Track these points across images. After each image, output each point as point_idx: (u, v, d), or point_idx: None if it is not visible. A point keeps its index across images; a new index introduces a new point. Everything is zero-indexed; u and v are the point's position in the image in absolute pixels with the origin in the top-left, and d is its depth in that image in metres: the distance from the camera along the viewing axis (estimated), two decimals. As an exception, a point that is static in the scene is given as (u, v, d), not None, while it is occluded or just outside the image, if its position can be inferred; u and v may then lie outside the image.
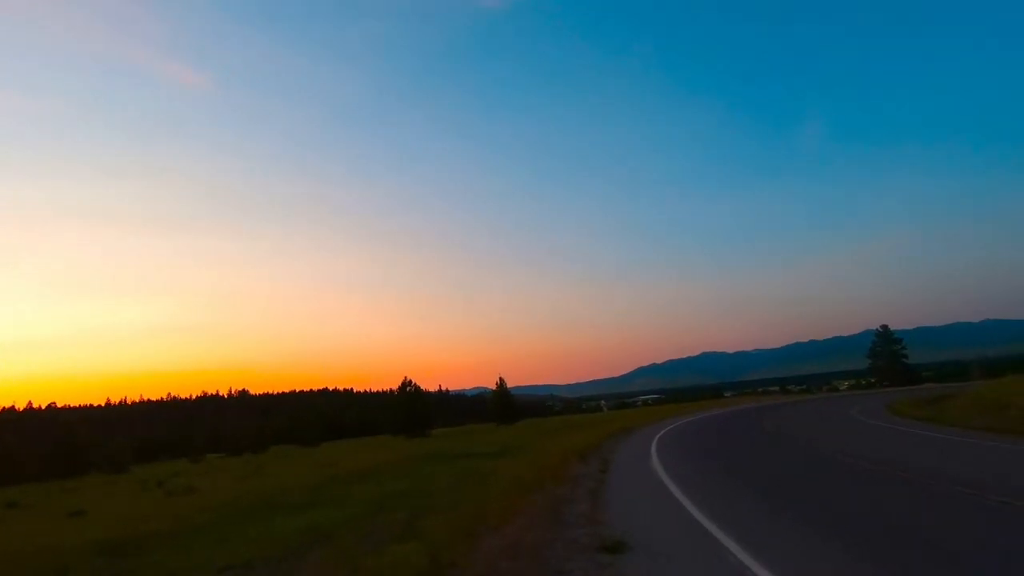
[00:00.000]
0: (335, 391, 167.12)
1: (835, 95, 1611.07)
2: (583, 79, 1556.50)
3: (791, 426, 22.22)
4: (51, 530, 12.68)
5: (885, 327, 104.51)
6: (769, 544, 5.41)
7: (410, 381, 51.21)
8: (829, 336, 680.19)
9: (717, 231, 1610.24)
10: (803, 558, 5.01)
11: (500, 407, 57.46)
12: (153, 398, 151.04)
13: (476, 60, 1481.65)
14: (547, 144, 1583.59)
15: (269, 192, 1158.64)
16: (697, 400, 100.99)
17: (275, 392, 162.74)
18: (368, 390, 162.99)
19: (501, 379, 59.31)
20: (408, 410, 48.27)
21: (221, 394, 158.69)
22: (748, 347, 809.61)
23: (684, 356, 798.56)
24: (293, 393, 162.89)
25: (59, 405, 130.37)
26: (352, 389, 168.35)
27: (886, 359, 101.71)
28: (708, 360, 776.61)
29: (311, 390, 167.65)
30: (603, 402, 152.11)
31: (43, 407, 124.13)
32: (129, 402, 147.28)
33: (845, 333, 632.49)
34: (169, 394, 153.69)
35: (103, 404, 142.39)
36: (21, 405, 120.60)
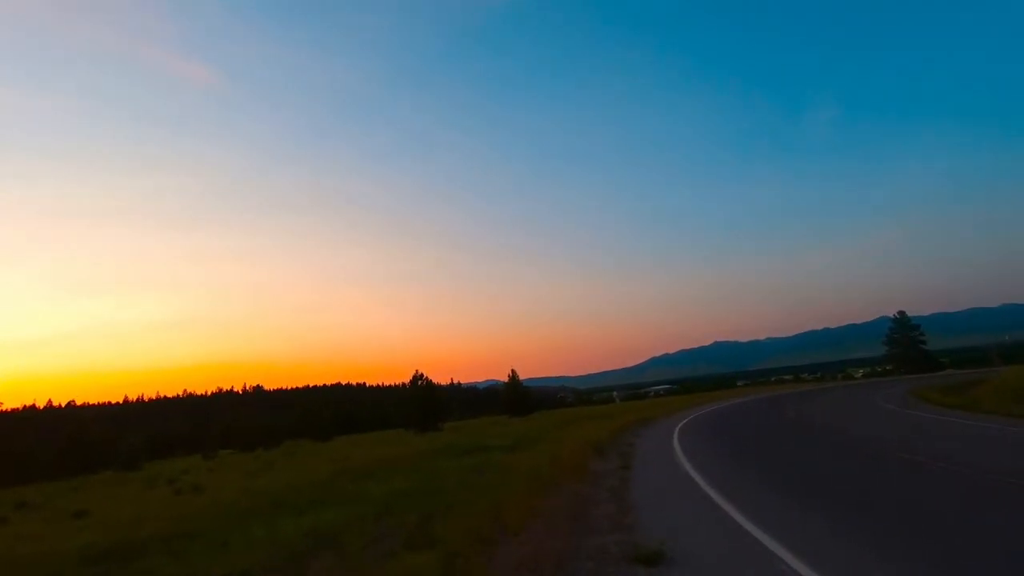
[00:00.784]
0: (348, 385, 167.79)
1: (846, 78, 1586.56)
2: (592, 71, 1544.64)
3: (823, 418, 21.16)
4: (50, 533, 12.25)
5: (902, 313, 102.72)
6: (834, 558, 4.65)
7: (422, 374, 50.77)
8: (843, 324, 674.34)
9: (728, 220, 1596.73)
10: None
11: (513, 399, 56.92)
12: (169, 394, 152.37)
13: (484, 54, 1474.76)
14: (558, 136, 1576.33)
15: (282, 187, 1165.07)
16: (711, 390, 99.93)
17: (289, 387, 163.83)
18: (381, 384, 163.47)
19: (513, 371, 58.75)
20: (420, 404, 47.82)
21: (236, 390, 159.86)
22: (760, 336, 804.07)
23: (696, 346, 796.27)
24: (307, 388, 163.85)
25: (77, 403, 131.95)
26: (365, 383, 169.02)
27: (903, 346, 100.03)
28: (720, 349, 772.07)
29: (325, 384, 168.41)
30: (615, 393, 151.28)
31: (61, 405, 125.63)
32: (146, 399, 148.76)
33: (859, 320, 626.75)
34: (185, 390, 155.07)
35: (120, 401, 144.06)
36: (41, 403, 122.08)
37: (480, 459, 16.89)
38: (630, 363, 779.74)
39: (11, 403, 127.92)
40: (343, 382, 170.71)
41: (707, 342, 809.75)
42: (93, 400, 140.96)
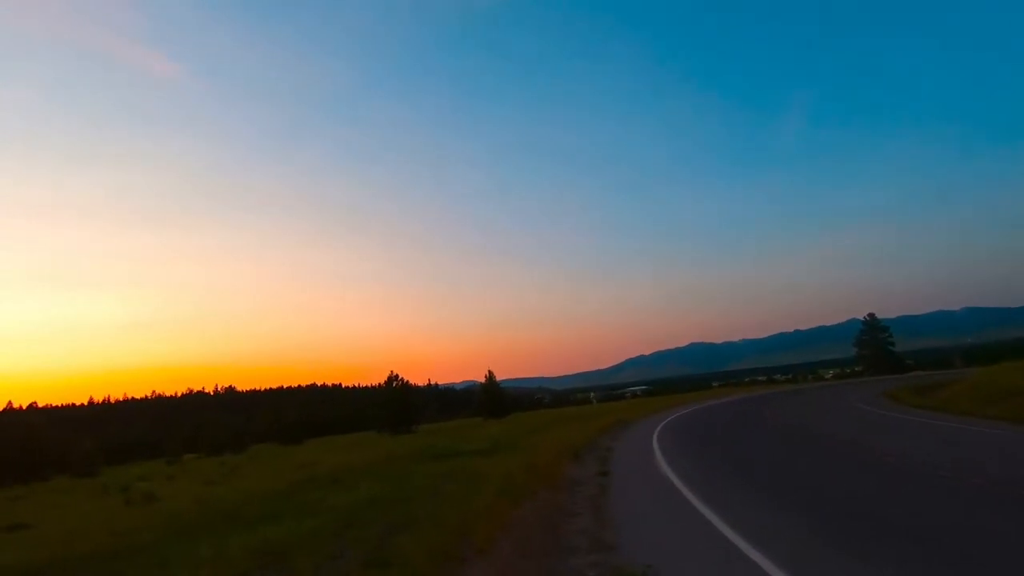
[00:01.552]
0: (323, 387, 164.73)
1: (813, 88, 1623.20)
2: (570, 74, 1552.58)
3: (802, 419, 20.93)
4: (-24, 550, 11.17)
5: (872, 315, 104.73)
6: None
7: (397, 375, 49.77)
8: (813, 326, 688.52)
9: (702, 223, 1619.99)
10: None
11: (489, 401, 56.22)
12: (137, 396, 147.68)
13: (464, 55, 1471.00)
14: (534, 139, 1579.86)
15: (255, 184, 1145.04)
16: (687, 391, 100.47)
17: (262, 388, 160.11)
18: (357, 385, 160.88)
19: (490, 372, 58.10)
20: (394, 405, 46.86)
21: (207, 391, 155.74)
22: (735, 337, 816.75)
23: (672, 347, 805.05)
24: (280, 389, 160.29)
25: (40, 404, 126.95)
26: (341, 384, 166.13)
27: (872, 348, 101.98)
28: (695, 351, 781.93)
29: (299, 386, 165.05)
30: (592, 394, 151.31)
31: (21, 406, 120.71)
32: (112, 400, 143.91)
33: (829, 322, 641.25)
34: (153, 392, 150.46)
35: (85, 403, 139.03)
36: (1, 404, 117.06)
37: (452, 464, 16.19)
38: (607, 364, 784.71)
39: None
40: (318, 383, 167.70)
41: (683, 343, 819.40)
42: (57, 402, 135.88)
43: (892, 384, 42.33)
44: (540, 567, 5.08)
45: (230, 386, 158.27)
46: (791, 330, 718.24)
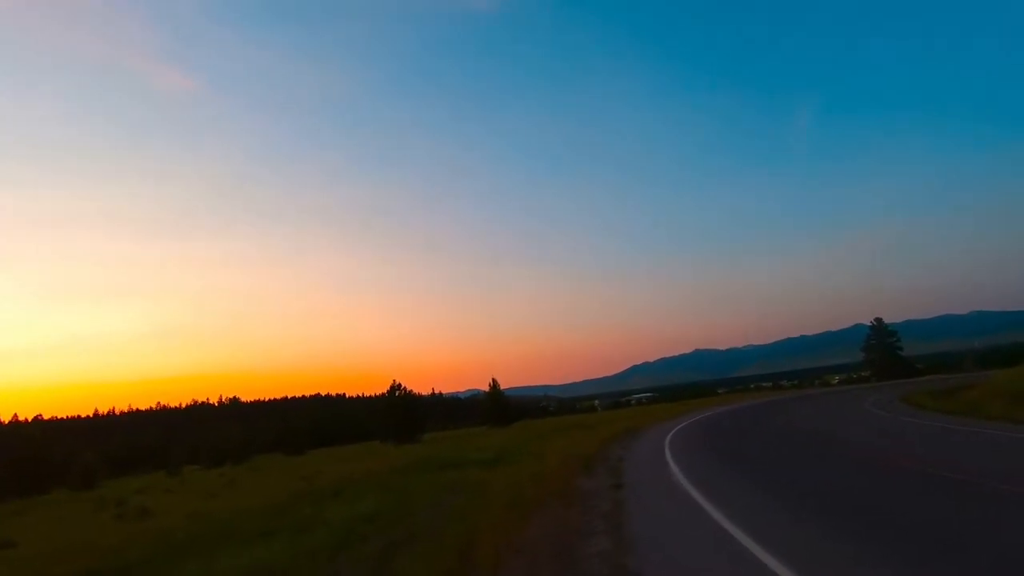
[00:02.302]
0: (328, 396, 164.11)
1: (824, 88, 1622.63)
2: (573, 78, 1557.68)
3: (822, 426, 19.77)
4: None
5: (879, 320, 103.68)
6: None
7: (400, 384, 49.20)
8: (819, 331, 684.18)
9: (707, 228, 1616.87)
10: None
11: (494, 409, 55.58)
12: (142, 407, 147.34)
13: (466, 61, 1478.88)
14: (538, 144, 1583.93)
15: (261, 195, 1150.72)
16: (693, 398, 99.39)
17: (267, 399, 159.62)
18: (362, 394, 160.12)
19: (494, 380, 57.57)
20: (398, 415, 46.24)
21: (212, 402, 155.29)
22: (740, 343, 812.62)
23: (677, 354, 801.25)
24: (285, 399, 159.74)
25: (46, 416, 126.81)
26: (345, 394, 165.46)
27: (880, 352, 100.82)
28: (701, 357, 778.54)
29: (304, 396, 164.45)
30: (597, 402, 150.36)
31: (27, 419, 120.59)
32: (118, 412, 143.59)
33: (835, 327, 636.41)
34: (159, 403, 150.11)
35: (91, 415, 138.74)
36: (6, 417, 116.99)
37: (456, 476, 15.54)
38: (612, 371, 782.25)
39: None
40: (322, 393, 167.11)
41: (688, 350, 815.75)
42: (63, 414, 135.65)
43: (905, 389, 41.45)
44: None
45: (235, 396, 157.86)
46: (797, 335, 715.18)
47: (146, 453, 66.84)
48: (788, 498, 7.97)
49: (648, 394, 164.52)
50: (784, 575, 4.50)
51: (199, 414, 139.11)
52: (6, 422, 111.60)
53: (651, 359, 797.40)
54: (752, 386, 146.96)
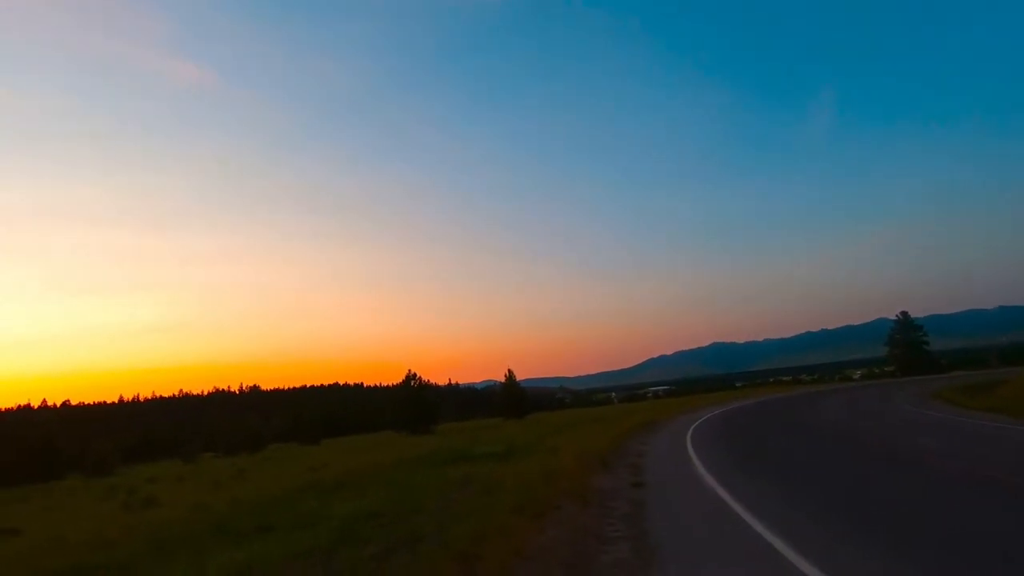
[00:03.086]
0: (345, 385, 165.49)
1: (842, 81, 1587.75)
2: (588, 68, 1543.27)
3: (853, 424, 18.34)
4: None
5: (905, 314, 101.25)
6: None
7: (414, 374, 48.85)
8: (840, 325, 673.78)
9: (725, 220, 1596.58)
10: None
11: (508, 400, 55.03)
12: (165, 394, 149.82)
13: (479, 53, 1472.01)
14: (553, 135, 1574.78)
15: (278, 187, 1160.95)
16: (710, 391, 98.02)
17: (286, 387, 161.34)
18: (378, 384, 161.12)
19: (510, 371, 56.91)
20: (411, 405, 45.91)
21: (232, 390, 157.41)
22: (758, 337, 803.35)
23: (693, 347, 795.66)
24: (304, 388, 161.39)
25: (73, 403, 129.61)
26: (362, 383, 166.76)
27: (905, 347, 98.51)
28: (718, 351, 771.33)
29: (321, 385, 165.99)
30: (613, 394, 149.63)
31: (55, 404, 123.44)
32: (141, 399, 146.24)
33: (856, 322, 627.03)
34: (181, 390, 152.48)
35: (116, 401, 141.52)
36: (36, 403, 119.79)
37: (467, 470, 14.94)
38: (628, 364, 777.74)
39: (7, 403, 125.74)
40: (340, 382, 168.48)
41: (705, 343, 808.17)
42: (88, 400, 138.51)
43: (934, 385, 39.97)
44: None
45: (255, 385, 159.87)
46: (817, 329, 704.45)
47: (166, 440, 67.63)
48: (833, 507, 6.87)
49: (664, 387, 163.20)
50: (807, 568, 3.80)
51: (220, 402, 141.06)
52: (24, 409, 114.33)
53: (668, 352, 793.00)
54: (771, 380, 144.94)
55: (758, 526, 5.83)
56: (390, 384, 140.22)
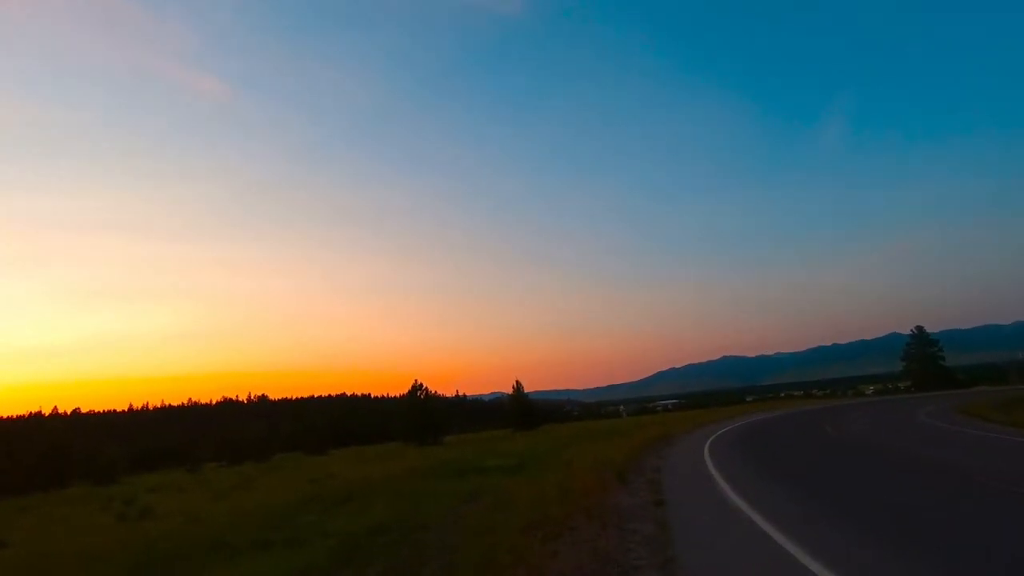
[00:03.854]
0: (353, 396, 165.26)
1: (855, 91, 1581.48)
2: (598, 81, 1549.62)
3: (891, 441, 16.69)
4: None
5: (920, 328, 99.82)
6: None
7: (421, 385, 48.22)
8: (853, 339, 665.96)
9: (736, 232, 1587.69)
10: None
11: (517, 412, 54.25)
12: (175, 403, 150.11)
13: (490, 65, 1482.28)
14: (562, 148, 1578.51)
15: (290, 199, 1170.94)
16: (721, 405, 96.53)
17: (294, 397, 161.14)
18: (386, 395, 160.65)
19: (518, 383, 56.13)
20: (419, 416, 45.30)
21: (241, 399, 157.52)
22: (768, 351, 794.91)
23: (703, 360, 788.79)
24: (312, 398, 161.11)
25: (84, 411, 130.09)
26: (370, 394, 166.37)
27: (921, 362, 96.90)
28: (728, 364, 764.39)
29: (330, 395, 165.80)
30: (622, 407, 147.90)
31: (66, 412, 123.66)
32: (151, 407, 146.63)
33: (869, 336, 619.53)
34: (190, 399, 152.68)
35: (125, 410, 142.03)
36: (47, 411, 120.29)
37: (475, 483, 14.30)
38: (637, 377, 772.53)
39: (19, 411, 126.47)
40: (347, 392, 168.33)
41: (715, 356, 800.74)
42: (100, 408, 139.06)
43: (955, 400, 38.74)
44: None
45: (263, 394, 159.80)
46: (829, 343, 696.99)
47: (173, 449, 67.29)
48: (880, 531, 6.04)
49: (673, 401, 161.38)
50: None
51: (228, 411, 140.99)
52: (35, 416, 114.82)
53: (678, 365, 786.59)
54: (782, 394, 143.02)
55: (807, 559, 5.13)
56: (398, 395, 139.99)
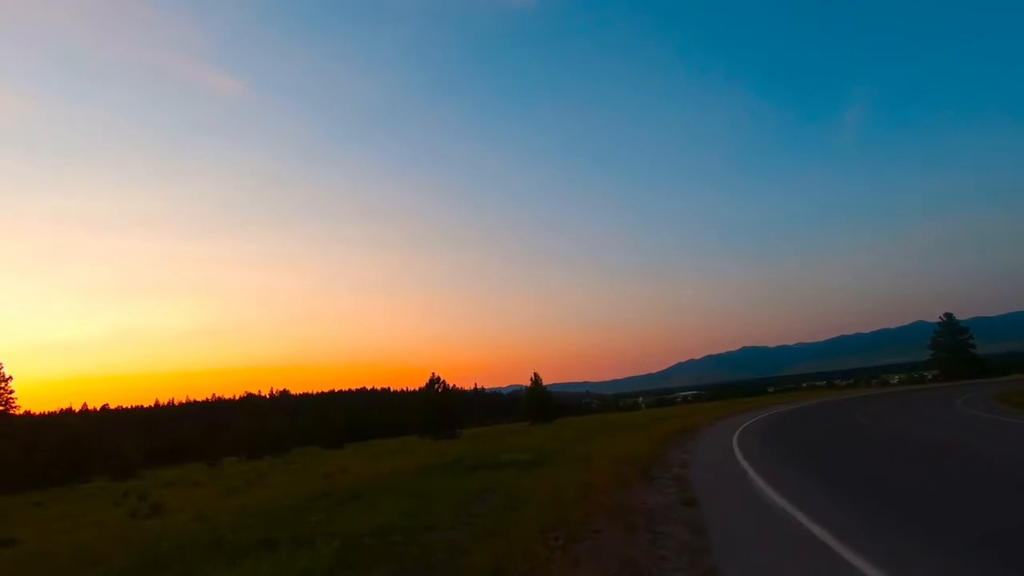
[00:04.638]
0: (373, 390, 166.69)
1: (879, 73, 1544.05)
2: (614, 74, 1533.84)
3: (937, 434, 15.29)
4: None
5: (949, 316, 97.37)
6: None
7: (438, 378, 47.91)
8: (876, 329, 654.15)
9: (758, 224, 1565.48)
10: None
11: (535, 405, 53.71)
12: (199, 398, 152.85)
13: (505, 59, 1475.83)
14: (580, 141, 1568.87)
15: (307, 195, 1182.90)
16: (742, 396, 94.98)
17: (315, 392, 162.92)
18: (404, 389, 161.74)
19: (536, 376, 55.64)
20: (435, 409, 44.96)
21: (263, 394, 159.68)
22: (789, 341, 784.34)
23: (723, 351, 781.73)
24: (332, 393, 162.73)
25: (112, 407, 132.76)
26: (389, 388, 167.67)
27: (950, 350, 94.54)
28: (748, 355, 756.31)
29: (349, 389, 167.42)
30: (641, 399, 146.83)
31: (95, 408, 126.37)
32: (176, 403, 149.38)
33: (892, 325, 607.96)
34: (213, 394, 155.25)
35: (151, 405, 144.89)
36: (77, 407, 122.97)
37: (490, 479, 13.66)
38: (656, 368, 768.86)
39: (51, 407, 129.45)
40: (367, 387, 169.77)
41: (735, 347, 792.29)
42: (127, 404, 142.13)
43: (990, 389, 37.16)
44: None
45: (284, 389, 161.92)
46: (852, 333, 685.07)
47: (194, 443, 68.09)
48: (971, 542, 4.99)
49: (693, 392, 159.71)
50: None
51: (250, 406, 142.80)
52: (66, 412, 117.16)
53: (697, 356, 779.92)
54: (804, 385, 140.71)
55: (864, 564, 4.38)
56: (417, 389, 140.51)
